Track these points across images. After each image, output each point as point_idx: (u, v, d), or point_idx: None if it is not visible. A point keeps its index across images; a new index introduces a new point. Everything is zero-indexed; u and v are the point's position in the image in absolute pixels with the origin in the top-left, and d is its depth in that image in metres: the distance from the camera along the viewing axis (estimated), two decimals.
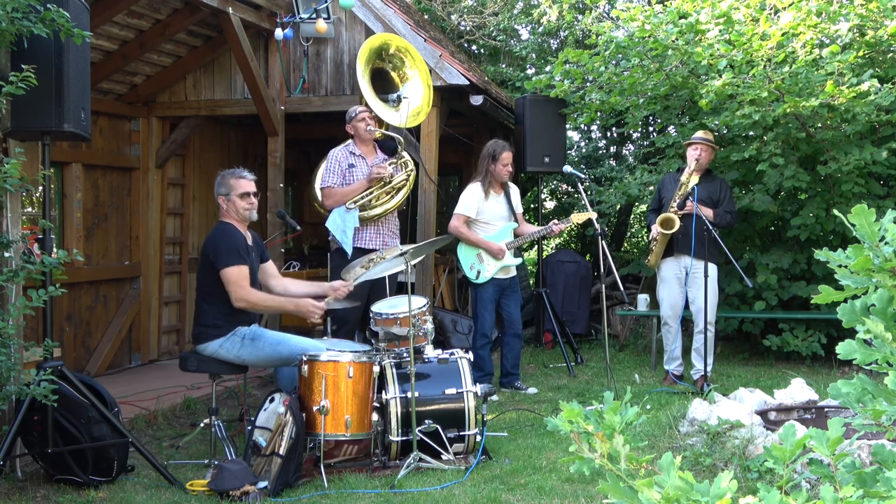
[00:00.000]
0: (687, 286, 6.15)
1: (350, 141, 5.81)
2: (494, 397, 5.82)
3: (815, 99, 5.85)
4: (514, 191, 6.27)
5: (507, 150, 6.04)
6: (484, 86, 7.43)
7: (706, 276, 5.83)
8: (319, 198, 6.00)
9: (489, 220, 6.07)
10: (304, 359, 4.32)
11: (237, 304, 4.40)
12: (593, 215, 6.07)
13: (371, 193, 5.68)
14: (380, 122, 5.90)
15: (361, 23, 6.77)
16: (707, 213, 5.97)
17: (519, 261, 6.16)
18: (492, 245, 5.99)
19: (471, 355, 4.83)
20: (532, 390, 6.16)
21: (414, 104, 6.09)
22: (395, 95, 6.11)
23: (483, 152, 6.13)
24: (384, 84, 6.17)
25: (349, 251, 5.53)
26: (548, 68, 7.62)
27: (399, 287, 5.89)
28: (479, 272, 6.02)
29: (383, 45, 6.13)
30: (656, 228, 6.11)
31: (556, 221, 6.17)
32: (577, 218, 6.19)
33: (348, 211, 5.60)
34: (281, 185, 6.96)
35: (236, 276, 4.37)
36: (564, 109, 7.45)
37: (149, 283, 7.39)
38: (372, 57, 6.04)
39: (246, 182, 4.55)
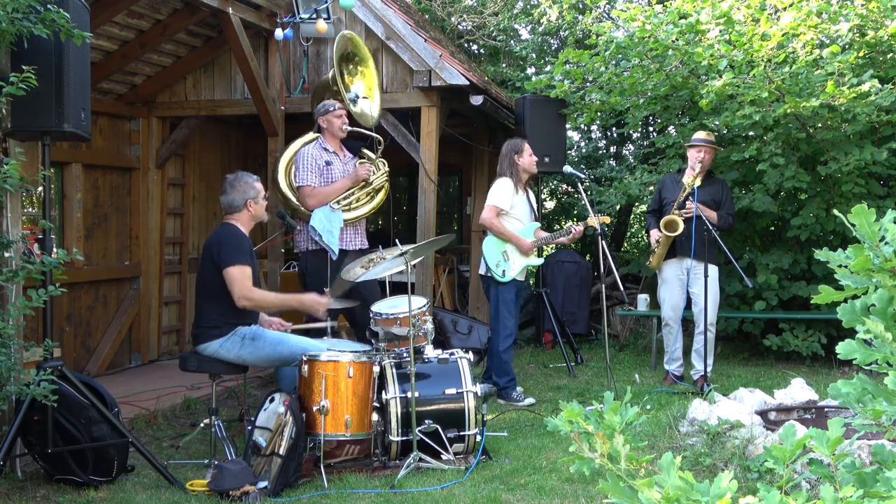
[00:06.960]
0: (689, 287, 6.15)
1: (319, 137, 5.67)
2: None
3: (815, 99, 5.85)
4: (532, 194, 6.26)
5: (527, 142, 6.09)
6: (484, 86, 7.42)
7: (706, 277, 5.82)
8: (288, 194, 5.72)
9: (518, 215, 5.96)
10: (304, 359, 4.33)
11: (240, 303, 4.40)
12: (606, 220, 6.05)
13: (352, 194, 5.60)
14: (351, 120, 5.79)
15: (361, 23, 6.76)
16: (711, 215, 5.95)
17: (541, 261, 6.09)
18: (523, 241, 5.88)
19: (471, 355, 4.82)
20: (530, 400, 5.91)
21: (369, 98, 6.15)
22: (352, 94, 6.04)
23: (504, 150, 6.05)
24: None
25: (336, 252, 5.38)
26: (548, 68, 7.63)
27: (394, 286, 5.84)
28: (504, 271, 5.86)
29: (346, 52, 6.13)
30: (656, 234, 6.09)
31: (572, 225, 6.00)
32: (593, 220, 6.01)
33: (333, 211, 5.48)
34: None
35: (240, 274, 4.38)
36: (564, 109, 7.45)
37: (149, 283, 7.39)
38: (341, 62, 6.05)
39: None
